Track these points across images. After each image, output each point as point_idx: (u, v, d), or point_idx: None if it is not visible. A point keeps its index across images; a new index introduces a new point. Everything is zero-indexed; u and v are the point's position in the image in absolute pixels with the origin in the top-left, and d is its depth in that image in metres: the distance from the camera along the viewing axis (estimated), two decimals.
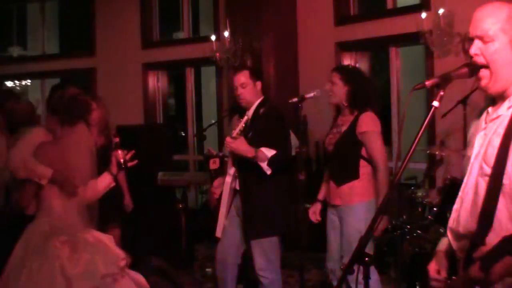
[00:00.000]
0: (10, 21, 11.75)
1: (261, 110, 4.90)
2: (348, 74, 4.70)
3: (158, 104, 10.17)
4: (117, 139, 5.84)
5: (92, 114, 4.28)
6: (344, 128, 4.59)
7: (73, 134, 4.04)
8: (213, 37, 8.24)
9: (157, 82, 10.16)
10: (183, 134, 10.16)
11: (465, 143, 2.66)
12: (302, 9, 8.37)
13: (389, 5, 7.68)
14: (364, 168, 4.55)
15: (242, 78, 4.91)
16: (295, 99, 4.42)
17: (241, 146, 4.63)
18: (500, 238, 2.03)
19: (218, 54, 8.15)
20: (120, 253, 4.04)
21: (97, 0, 10.36)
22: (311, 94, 4.42)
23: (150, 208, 7.14)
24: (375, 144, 4.46)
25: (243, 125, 4.89)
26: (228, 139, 4.76)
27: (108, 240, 4.12)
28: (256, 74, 5.01)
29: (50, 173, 3.90)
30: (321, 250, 6.81)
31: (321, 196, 4.92)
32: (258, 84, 4.95)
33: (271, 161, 4.62)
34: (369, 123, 4.49)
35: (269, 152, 4.62)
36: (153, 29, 10.09)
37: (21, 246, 3.88)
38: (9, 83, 11.71)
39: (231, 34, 8.08)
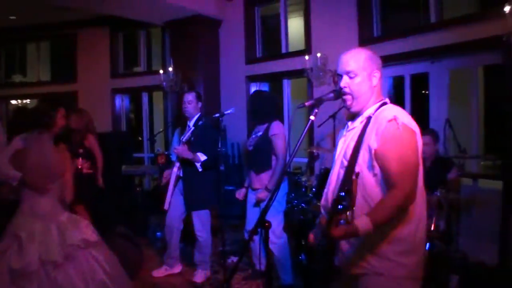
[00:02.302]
0: (14, 56, 11.35)
1: (200, 123, 4.92)
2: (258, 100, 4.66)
3: (122, 117, 9.97)
4: (81, 150, 5.60)
5: (55, 124, 3.97)
6: (260, 133, 4.57)
7: (39, 142, 3.76)
8: (161, 71, 8.08)
9: (122, 102, 9.94)
10: (140, 139, 9.99)
11: (334, 145, 2.69)
12: (223, 52, 8.33)
13: (284, 49, 7.75)
14: (274, 161, 4.48)
15: (190, 97, 4.98)
16: (217, 114, 4.39)
17: (183, 152, 4.76)
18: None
19: (165, 83, 8.02)
20: (75, 235, 3.66)
21: (78, 41, 10.09)
22: (229, 111, 4.39)
23: (117, 190, 7.08)
24: (280, 143, 4.41)
25: (189, 133, 4.84)
26: (174, 146, 4.97)
27: (76, 221, 3.80)
28: (199, 97, 5.05)
29: (18, 176, 3.62)
30: (234, 218, 6.81)
31: (246, 183, 4.83)
32: (199, 103, 5.02)
33: (203, 164, 4.78)
34: (277, 129, 4.46)
35: (202, 157, 4.77)
36: (119, 63, 9.88)
37: (7, 230, 3.62)
38: (13, 102, 11.25)
39: (174, 68, 7.96)
